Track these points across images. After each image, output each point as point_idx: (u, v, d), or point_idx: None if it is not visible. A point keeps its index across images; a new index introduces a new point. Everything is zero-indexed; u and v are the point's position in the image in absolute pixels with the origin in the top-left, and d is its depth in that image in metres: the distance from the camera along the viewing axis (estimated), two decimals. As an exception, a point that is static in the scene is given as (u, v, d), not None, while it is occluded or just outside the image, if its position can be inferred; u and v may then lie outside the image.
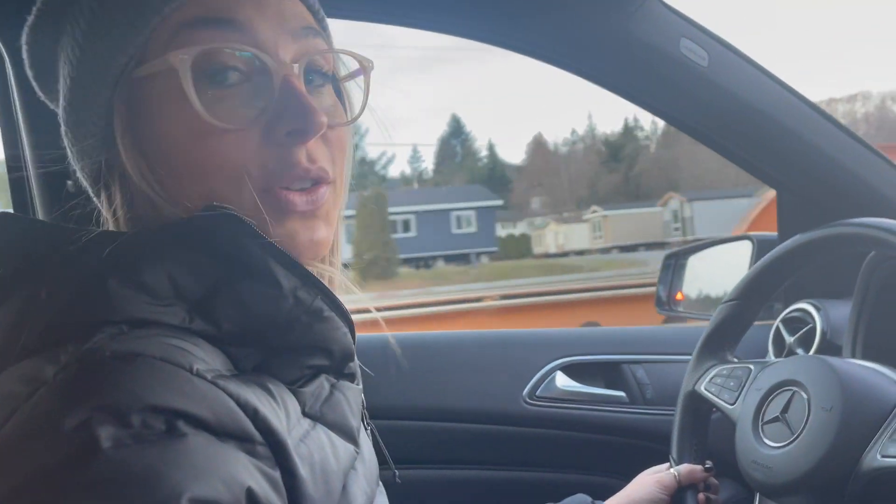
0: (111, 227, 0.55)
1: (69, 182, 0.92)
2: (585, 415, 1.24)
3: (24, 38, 0.56)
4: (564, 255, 35.54)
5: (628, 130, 58.37)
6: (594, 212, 38.63)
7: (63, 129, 0.55)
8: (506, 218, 41.75)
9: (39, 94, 0.58)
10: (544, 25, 1.04)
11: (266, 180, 0.51)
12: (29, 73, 0.57)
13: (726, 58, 1.09)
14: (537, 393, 1.24)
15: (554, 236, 38.92)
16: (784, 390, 0.80)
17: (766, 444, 0.79)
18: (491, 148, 60.83)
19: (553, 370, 1.26)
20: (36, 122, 0.91)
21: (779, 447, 0.77)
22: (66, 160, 0.57)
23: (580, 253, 35.09)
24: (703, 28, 1.07)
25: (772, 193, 1.32)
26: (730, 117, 1.13)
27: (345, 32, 0.63)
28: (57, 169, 0.58)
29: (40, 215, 0.96)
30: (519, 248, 34.60)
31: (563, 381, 1.26)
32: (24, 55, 0.56)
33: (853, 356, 0.99)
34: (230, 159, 0.50)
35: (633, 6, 1.00)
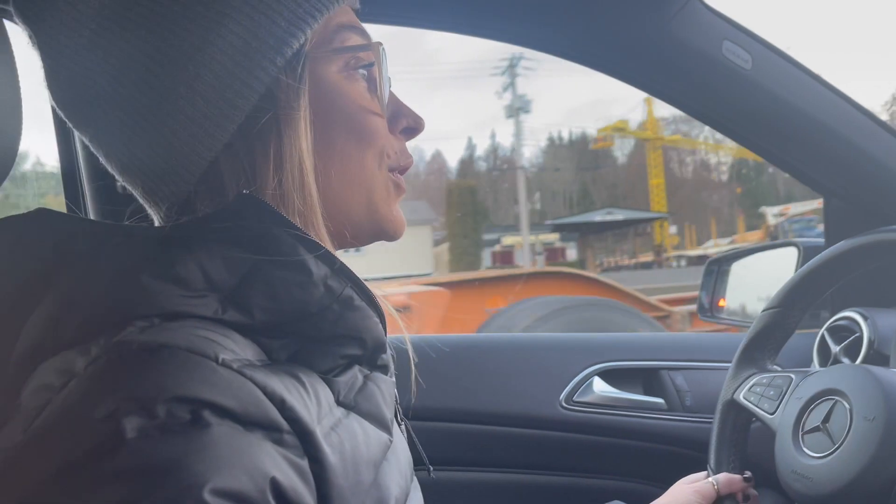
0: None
1: (119, 184, 0.96)
2: (623, 421, 1.23)
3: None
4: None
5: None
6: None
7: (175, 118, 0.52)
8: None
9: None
10: (584, 29, 1.04)
11: (394, 163, 0.61)
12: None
13: (770, 60, 1.07)
14: (574, 398, 1.24)
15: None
16: (825, 400, 0.78)
17: (806, 454, 0.77)
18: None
19: (590, 375, 1.25)
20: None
21: (819, 457, 0.75)
22: None
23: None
24: (747, 30, 1.05)
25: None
26: (774, 121, 1.11)
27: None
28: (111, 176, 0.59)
29: (91, 214, 1.00)
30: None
31: (600, 386, 1.25)
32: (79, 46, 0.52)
33: (901, 366, 0.96)
34: (382, 137, 0.59)
35: (674, 8, 0.99)
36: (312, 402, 0.47)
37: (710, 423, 0.96)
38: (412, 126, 0.62)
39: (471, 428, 1.24)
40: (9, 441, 0.40)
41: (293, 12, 0.52)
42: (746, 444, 0.94)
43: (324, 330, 0.51)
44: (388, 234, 0.61)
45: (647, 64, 1.07)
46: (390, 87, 0.62)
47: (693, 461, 1.00)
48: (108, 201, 0.98)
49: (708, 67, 1.05)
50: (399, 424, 0.65)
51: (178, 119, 0.51)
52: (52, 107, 0.94)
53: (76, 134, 0.63)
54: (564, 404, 1.23)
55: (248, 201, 0.51)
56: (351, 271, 0.52)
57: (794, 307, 0.91)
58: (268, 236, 0.49)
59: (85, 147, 0.97)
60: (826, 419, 0.77)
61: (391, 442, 0.55)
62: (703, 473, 0.92)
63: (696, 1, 0.99)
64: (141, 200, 0.57)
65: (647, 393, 1.26)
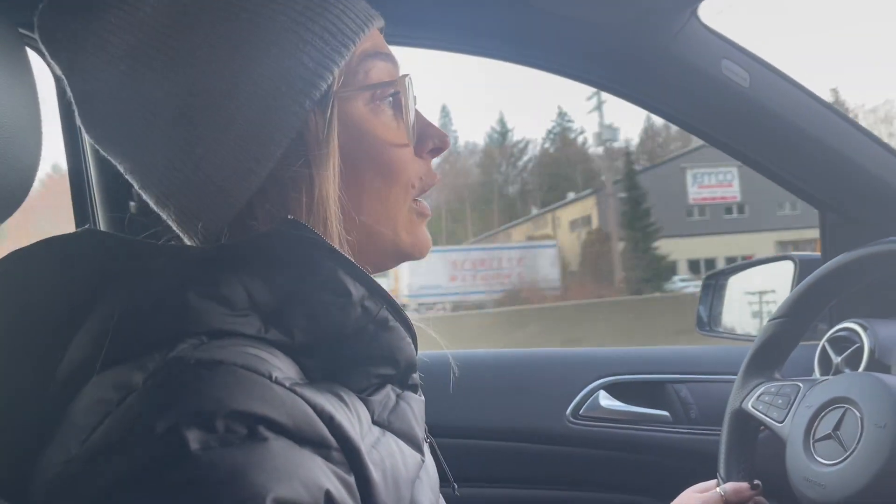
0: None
1: (132, 203, 0.96)
2: (629, 434, 1.24)
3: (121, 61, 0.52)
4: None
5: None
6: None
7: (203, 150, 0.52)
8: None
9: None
10: (586, 49, 1.06)
11: (420, 189, 0.61)
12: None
13: (768, 78, 1.10)
14: (581, 412, 1.24)
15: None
16: (836, 408, 0.79)
17: (818, 461, 0.78)
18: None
19: (596, 389, 1.26)
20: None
21: (832, 465, 0.76)
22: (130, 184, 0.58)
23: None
24: (744, 49, 1.08)
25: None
26: (772, 138, 1.14)
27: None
28: (120, 190, 0.60)
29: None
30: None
31: (606, 400, 1.26)
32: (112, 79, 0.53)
33: (904, 375, 0.98)
34: (409, 169, 0.59)
35: (675, 29, 1.02)
36: (355, 419, 0.48)
37: (716, 435, 0.97)
38: (438, 146, 0.63)
39: (478, 444, 1.25)
40: (63, 454, 0.41)
41: (319, 51, 0.53)
42: (755, 452, 0.95)
43: (359, 350, 0.51)
44: (412, 255, 0.62)
45: (648, 82, 1.10)
46: (415, 105, 0.62)
47: (700, 473, 1.00)
48: (119, 215, 0.98)
49: (707, 85, 1.08)
50: (426, 441, 0.66)
51: (212, 162, 0.52)
52: (62, 122, 0.93)
53: (88, 153, 0.63)
54: (571, 419, 1.24)
55: (291, 226, 0.51)
56: (387, 293, 0.53)
57: (800, 317, 0.93)
58: (309, 259, 0.50)
59: (97, 163, 0.97)
60: (837, 427, 0.78)
61: (423, 461, 0.56)
62: (713, 482, 0.92)
63: (695, 21, 1.02)
64: (173, 226, 0.57)
65: (652, 406, 1.27)
